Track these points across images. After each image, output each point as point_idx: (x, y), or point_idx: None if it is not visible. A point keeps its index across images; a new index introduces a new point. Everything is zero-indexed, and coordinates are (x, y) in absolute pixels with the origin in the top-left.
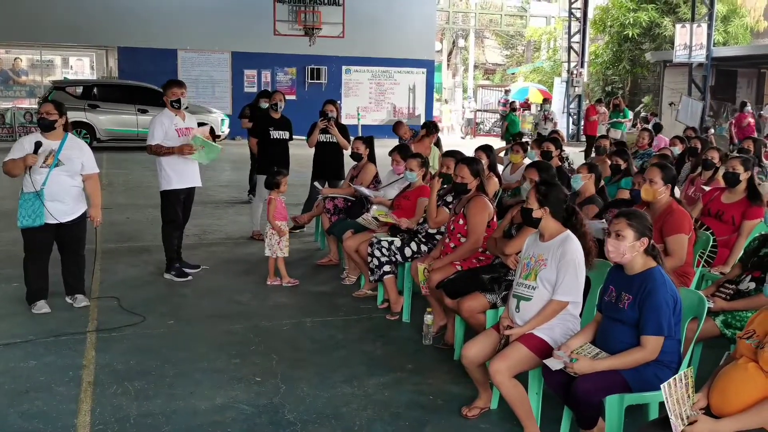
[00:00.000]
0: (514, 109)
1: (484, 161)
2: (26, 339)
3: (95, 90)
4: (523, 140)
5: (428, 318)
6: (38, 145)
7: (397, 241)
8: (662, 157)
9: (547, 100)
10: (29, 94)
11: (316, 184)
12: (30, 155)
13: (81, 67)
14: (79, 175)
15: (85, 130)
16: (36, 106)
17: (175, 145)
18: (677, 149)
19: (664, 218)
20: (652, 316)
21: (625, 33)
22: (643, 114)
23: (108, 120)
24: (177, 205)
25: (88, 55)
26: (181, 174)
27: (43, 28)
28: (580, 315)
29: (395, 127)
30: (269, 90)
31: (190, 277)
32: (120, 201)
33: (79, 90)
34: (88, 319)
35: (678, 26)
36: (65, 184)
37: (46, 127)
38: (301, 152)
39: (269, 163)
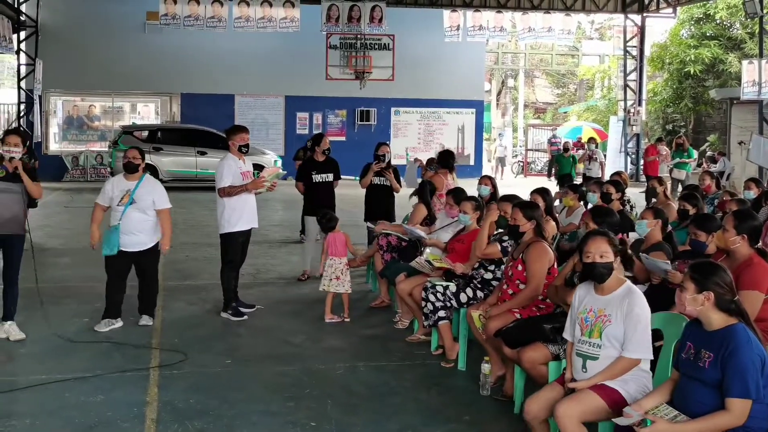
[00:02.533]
0: (566, 150)
1: (541, 204)
2: (95, 373)
3: (159, 134)
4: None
5: (485, 367)
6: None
7: (452, 286)
8: (740, 203)
9: (592, 140)
10: (101, 138)
11: (369, 224)
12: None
13: (147, 112)
14: (152, 210)
15: (149, 171)
16: (106, 149)
17: (236, 186)
18: (752, 193)
19: (741, 271)
20: (738, 378)
21: (686, 70)
22: (709, 153)
23: (170, 161)
24: (237, 247)
25: (154, 101)
26: (243, 216)
27: (116, 79)
28: (652, 371)
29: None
30: (322, 133)
31: (245, 317)
32: (181, 240)
33: (145, 134)
34: (150, 356)
35: (745, 62)
36: (137, 219)
37: (133, 169)
38: (351, 192)
39: (315, 205)
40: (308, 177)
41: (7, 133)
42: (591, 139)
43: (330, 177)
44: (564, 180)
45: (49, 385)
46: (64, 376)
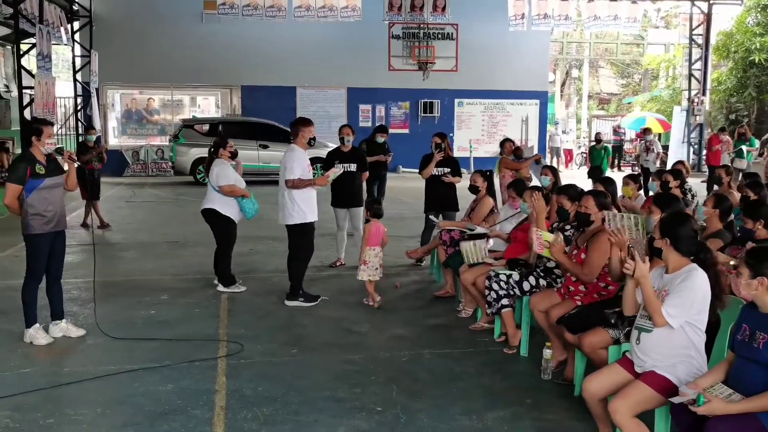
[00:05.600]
0: (598, 141)
1: None
2: (163, 363)
3: (220, 127)
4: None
5: (547, 353)
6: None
7: (516, 275)
8: None
9: (648, 130)
10: (160, 131)
11: (431, 217)
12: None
13: (207, 105)
14: None
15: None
16: (167, 143)
17: (305, 179)
18: None
19: None
20: None
21: (750, 58)
22: None
23: None
24: (312, 237)
25: (213, 93)
26: (312, 208)
27: (174, 71)
28: (710, 354)
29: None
30: (384, 125)
31: (317, 302)
32: (244, 233)
33: (206, 127)
34: (218, 347)
35: None
36: None
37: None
38: (409, 185)
39: (334, 194)
40: (332, 166)
41: (44, 123)
42: (647, 130)
43: (353, 167)
44: (595, 172)
45: (118, 376)
46: (133, 367)
